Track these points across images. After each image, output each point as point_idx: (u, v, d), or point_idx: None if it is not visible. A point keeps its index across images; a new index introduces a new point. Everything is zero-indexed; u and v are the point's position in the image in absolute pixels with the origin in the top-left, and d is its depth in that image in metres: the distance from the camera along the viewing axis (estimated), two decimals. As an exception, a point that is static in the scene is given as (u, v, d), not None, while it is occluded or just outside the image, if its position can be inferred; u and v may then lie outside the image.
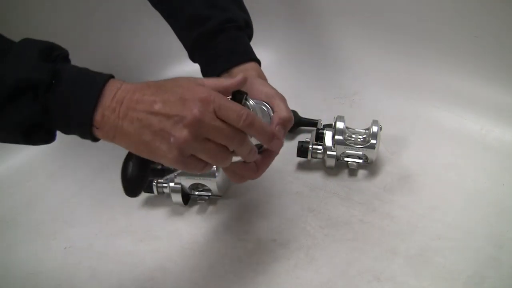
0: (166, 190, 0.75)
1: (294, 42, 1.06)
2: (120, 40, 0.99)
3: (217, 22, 0.66)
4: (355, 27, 1.00)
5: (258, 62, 0.68)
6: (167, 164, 0.53)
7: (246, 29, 0.69)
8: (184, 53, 0.70)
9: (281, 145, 0.58)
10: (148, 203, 0.78)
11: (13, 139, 0.50)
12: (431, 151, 0.84)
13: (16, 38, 0.53)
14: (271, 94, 0.61)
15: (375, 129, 0.78)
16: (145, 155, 0.52)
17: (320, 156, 0.80)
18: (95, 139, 0.51)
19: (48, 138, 0.51)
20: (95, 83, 0.50)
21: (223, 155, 0.53)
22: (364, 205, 0.75)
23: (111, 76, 0.51)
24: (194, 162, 0.53)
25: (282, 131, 0.59)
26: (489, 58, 0.88)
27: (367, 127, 0.81)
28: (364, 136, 0.80)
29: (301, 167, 0.83)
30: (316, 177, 0.81)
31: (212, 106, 0.50)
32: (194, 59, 0.70)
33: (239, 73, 0.62)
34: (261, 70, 0.67)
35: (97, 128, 0.50)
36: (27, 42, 0.51)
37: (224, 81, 0.54)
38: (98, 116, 0.49)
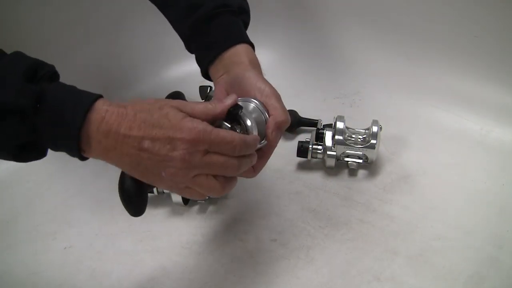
0: (166, 190, 0.75)
1: (294, 42, 1.06)
2: (121, 40, 0.99)
3: (210, 8, 0.65)
4: (355, 27, 1.00)
5: (252, 45, 0.66)
6: (165, 189, 0.54)
7: (241, 14, 0.68)
8: (184, 53, 0.70)
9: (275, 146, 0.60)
10: (148, 203, 0.78)
11: (4, 157, 0.50)
12: (431, 151, 0.84)
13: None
14: (265, 93, 0.60)
15: (375, 129, 0.78)
16: (139, 178, 0.53)
17: (320, 156, 0.80)
18: (83, 158, 0.51)
19: (38, 155, 0.51)
20: (79, 110, 0.48)
21: (216, 186, 0.54)
22: (364, 205, 0.75)
23: (98, 97, 0.50)
24: (189, 192, 0.54)
25: (279, 135, 0.59)
26: (489, 58, 0.88)
27: (367, 127, 0.81)
28: (364, 136, 0.80)
29: (301, 167, 0.83)
30: (316, 177, 0.81)
31: (202, 146, 0.51)
32: (190, 49, 0.70)
33: (230, 58, 0.63)
34: (254, 54, 0.65)
35: (84, 151, 0.50)
36: (14, 59, 0.50)
37: (212, 109, 0.54)
38: (84, 145, 0.49)
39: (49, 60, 0.54)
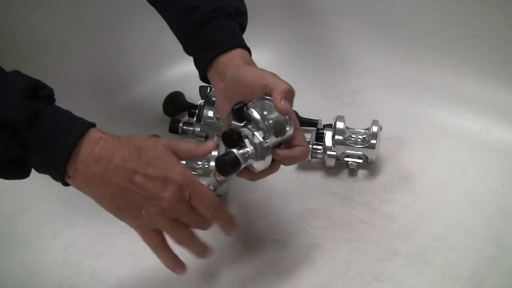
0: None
1: (294, 42, 1.06)
2: (120, 40, 0.99)
3: (206, 11, 0.64)
4: (355, 27, 1.00)
5: (247, 49, 0.65)
6: (130, 226, 0.55)
7: (237, 17, 0.67)
8: (184, 53, 0.70)
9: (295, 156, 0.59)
10: (148, 203, 0.78)
11: None
12: (431, 151, 0.84)
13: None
14: (260, 76, 0.59)
15: (375, 129, 0.78)
16: (110, 212, 0.54)
17: (320, 156, 0.80)
18: (65, 184, 0.52)
19: (22, 174, 0.52)
20: (73, 132, 0.49)
21: (187, 235, 0.56)
22: (364, 205, 0.75)
23: (92, 125, 0.51)
24: (153, 236, 0.55)
25: (289, 105, 0.56)
26: (489, 58, 0.88)
27: (367, 127, 0.81)
28: (364, 136, 0.80)
29: (301, 167, 0.83)
30: (316, 177, 0.81)
31: (188, 192, 0.53)
32: (188, 52, 0.69)
33: (225, 62, 0.63)
34: (249, 57, 0.64)
35: (68, 177, 0.51)
36: (15, 76, 0.50)
37: (194, 151, 0.56)
38: (71, 169, 0.50)
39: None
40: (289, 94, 0.56)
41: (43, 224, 0.75)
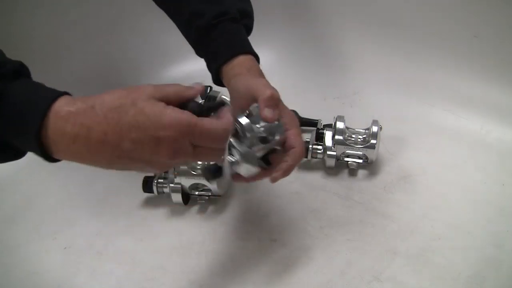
0: (166, 190, 0.75)
1: (294, 42, 1.06)
2: (120, 40, 0.99)
3: (210, 17, 0.65)
4: (355, 27, 1.00)
5: (252, 53, 0.66)
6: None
7: (242, 19, 0.68)
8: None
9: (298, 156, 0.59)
10: (148, 203, 0.78)
11: None
12: (431, 151, 0.84)
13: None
14: (248, 87, 0.59)
15: (375, 129, 0.78)
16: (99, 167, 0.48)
17: (320, 156, 0.80)
18: (55, 160, 0.47)
19: (15, 155, 0.47)
20: (38, 107, 0.44)
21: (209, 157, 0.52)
22: (364, 205, 0.75)
23: (59, 95, 0.45)
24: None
25: (271, 112, 0.56)
26: (489, 58, 0.88)
27: (367, 127, 0.81)
28: (364, 136, 0.80)
29: (301, 167, 0.83)
30: (316, 177, 0.81)
31: (188, 139, 0.47)
32: (200, 56, 0.70)
33: (228, 72, 0.63)
34: (253, 62, 0.64)
35: (54, 154, 0.45)
36: None
37: (185, 91, 0.51)
38: (52, 148, 0.45)
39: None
40: (272, 101, 0.57)
41: (43, 224, 0.75)
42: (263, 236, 0.71)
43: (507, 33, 0.85)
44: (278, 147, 0.60)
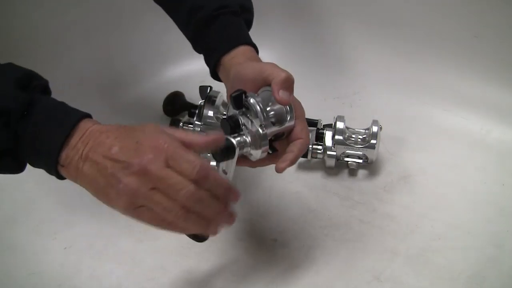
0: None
1: (294, 42, 1.06)
2: (120, 40, 0.99)
3: (210, 10, 0.65)
4: (355, 27, 1.00)
5: (252, 45, 0.66)
6: (120, 211, 0.49)
7: (242, 13, 0.67)
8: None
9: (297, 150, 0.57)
10: (148, 203, 0.78)
11: None
12: (431, 151, 0.84)
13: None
14: (259, 70, 0.58)
15: (375, 129, 0.78)
16: (101, 200, 0.50)
17: (320, 156, 0.80)
18: (60, 177, 0.51)
19: (15, 167, 0.51)
20: (67, 121, 0.48)
21: (174, 209, 0.47)
22: (364, 205, 0.75)
23: (87, 115, 0.50)
24: (147, 214, 0.48)
25: (287, 94, 0.55)
26: (489, 58, 0.88)
27: (367, 127, 0.81)
28: (364, 136, 0.80)
29: (301, 167, 0.83)
30: (316, 177, 0.81)
31: (164, 154, 0.47)
32: (197, 51, 0.70)
33: (229, 61, 0.62)
34: (253, 53, 0.64)
35: (62, 167, 0.49)
36: (9, 68, 0.50)
37: (192, 137, 0.50)
38: (63, 156, 0.48)
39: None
40: (287, 83, 0.56)
41: (43, 224, 0.75)
42: (263, 236, 0.71)
43: (507, 33, 0.85)
44: (285, 133, 0.59)
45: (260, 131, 0.55)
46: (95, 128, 0.49)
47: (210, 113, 0.81)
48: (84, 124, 0.49)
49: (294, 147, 0.58)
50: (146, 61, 1.02)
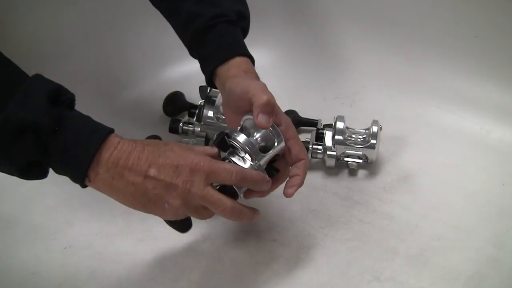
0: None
1: (294, 42, 1.06)
2: (120, 40, 0.99)
3: (206, 19, 0.65)
4: (355, 27, 1.00)
5: (247, 55, 0.66)
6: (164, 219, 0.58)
7: (239, 21, 0.67)
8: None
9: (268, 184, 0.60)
10: (148, 203, 0.78)
11: (8, 171, 0.52)
12: (431, 151, 0.84)
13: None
14: (245, 89, 0.59)
15: (375, 129, 0.78)
16: (139, 210, 0.56)
17: (320, 156, 0.80)
18: (84, 186, 0.53)
19: (41, 174, 0.53)
20: (95, 137, 0.51)
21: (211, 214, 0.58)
22: (364, 205, 0.75)
23: (111, 130, 0.53)
24: (191, 217, 0.59)
25: (265, 118, 0.57)
26: (489, 58, 0.88)
27: (367, 127, 0.81)
28: (364, 136, 0.80)
29: (301, 167, 0.83)
30: (316, 177, 0.81)
31: (202, 173, 0.53)
32: (194, 57, 0.70)
33: (224, 73, 0.63)
34: (247, 65, 0.64)
35: (89, 181, 0.52)
36: (38, 81, 0.51)
37: (210, 149, 0.58)
38: (92, 173, 0.52)
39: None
40: (267, 107, 0.57)
41: (43, 224, 0.75)
42: (262, 236, 0.71)
43: (507, 33, 0.85)
44: (279, 154, 0.61)
45: (253, 164, 0.57)
46: (122, 147, 0.52)
47: (210, 113, 0.81)
48: (112, 141, 0.52)
49: (299, 170, 0.61)
50: (146, 61, 1.02)
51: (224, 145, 0.58)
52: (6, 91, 0.48)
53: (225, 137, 0.58)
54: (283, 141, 0.60)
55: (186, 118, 0.89)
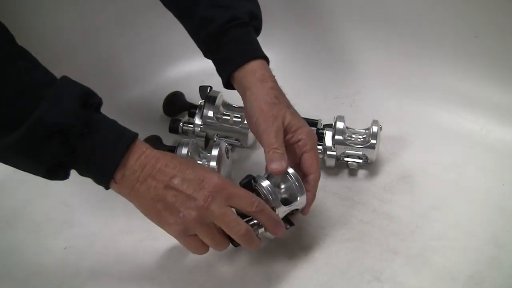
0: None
1: (295, 42, 1.06)
2: (120, 40, 0.99)
3: (219, 23, 0.65)
4: (356, 27, 1.00)
5: (263, 57, 0.67)
6: (170, 234, 0.57)
7: (251, 21, 0.68)
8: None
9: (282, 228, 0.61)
10: (148, 203, 0.78)
11: (33, 171, 0.53)
12: (431, 151, 0.84)
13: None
14: (258, 125, 0.62)
15: (375, 129, 0.78)
16: (152, 220, 0.56)
17: (320, 156, 0.80)
18: (107, 188, 0.54)
19: (65, 175, 0.54)
20: (122, 142, 0.53)
21: (224, 242, 0.58)
22: (364, 205, 0.75)
23: (137, 135, 0.54)
24: (194, 243, 0.57)
25: (278, 165, 0.61)
26: (489, 58, 0.88)
27: (367, 127, 0.81)
28: (364, 136, 0.80)
29: (301, 167, 0.83)
30: (316, 177, 0.81)
31: (225, 193, 0.54)
32: (208, 58, 0.71)
33: (241, 78, 0.65)
34: (264, 69, 0.66)
35: (115, 183, 0.53)
36: (68, 83, 0.52)
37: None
38: (118, 175, 0.53)
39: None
40: (276, 154, 0.61)
41: (43, 224, 0.75)
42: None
43: (507, 33, 0.85)
44: (299, 208, 0.63)
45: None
46: (150, 153, 0.54)
47: (210, 113, 0.81)
48: (139, 146, 0.54)
49: (309, 186, 0.63)
50: (146, 61, 1.02)
51: (249, 188, 0.60)
52: (37, 92, 0.49)
53: (252, 180, 0.60)
54: (305, 196, 0.62)
55: (186, 118, 0.89)
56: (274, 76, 0.66)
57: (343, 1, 0.99)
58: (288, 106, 0.65)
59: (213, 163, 0.72)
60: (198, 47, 0.70)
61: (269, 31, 1.05)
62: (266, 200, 0.59)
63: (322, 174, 0.81)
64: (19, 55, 0.51)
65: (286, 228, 0.61)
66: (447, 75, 0.92)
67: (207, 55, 0.70)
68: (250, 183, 0.60)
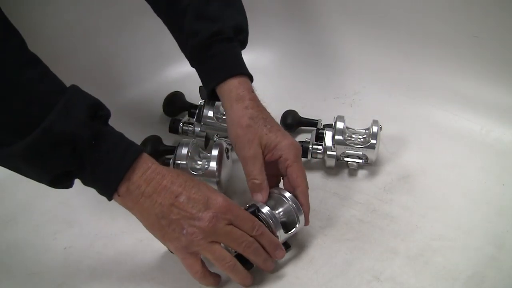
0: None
1: (294, 41, 1.06)
2: (120, 40, 0.99)
3: (204, 37, 0.66)
4: (355, 27, 1.00)
5: (242, 73, 0.67)
6: (171, 249, 0.58)
7: (236, 36, 0.68)
8: (183, 54, 0.70)
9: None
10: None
11: (38, 178, 0.52)
12: (431, 151, 0.84)
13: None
14: (239, 151, 0.64)
15: (375, 129, 0.78)
16: (155, 234, 0.57)
17: (320, 156, 0.80)
18: (111, 200, 0.55)
19: (69, 184, 0.55)
20: (128, 156, 0.53)
21: (226, 256, 0.58)
22: (364, 205, 0.75)
23: (143, 150, 0.55)
24: (193, 262, 0.57)
25: (259, 196, 0.64)
26: (489, 58, 0.88)
27: (367, 127, 0.81)
28: (364, 136, 0.80)
29: (301, 167, 0.83)
30: (316, 177, 0.81)
31: (229, 215, 0.56)
32: (195, 68, 0.72)
33: (222, 95, 0.66)
34: (240, 88, 0.65)
35: (118, 196, 0.54)
36: (78, 93, 0.52)
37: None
38: (122, 188, 0.53)
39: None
40: (256, 186, 0.64)
41: (43, 224, 0.75)
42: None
43: (507, 33, 0.85)
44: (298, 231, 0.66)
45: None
46: (156, 168, 0.54)
47: (210, 113, 0.81)
48: (144, 161, 0.54)
49: (300, 199, 0.64)
50: (146, 61, 1.02)
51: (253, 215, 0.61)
52: (47, 101, 0.49)
53: (256, 210, 0.62)
54: (303, 216, 0.65)
55: (186, 118, 0.89)
56: (253, 91, 0.67)
57: (344, 1, 0.99)
58: (265, 123, 0.65)
59: (213, 163, 0.72)
60: (185, 56, 0.71)
61: (270, 31, 1.06)
62: (269, 227, 0.61)
63: (322, 174, 0.81)
64: (31, 62, 0.51)
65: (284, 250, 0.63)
66: (447, 75, 0.92)
67: (193, 65, 0.71)
68: (254, 213, 0.61)
